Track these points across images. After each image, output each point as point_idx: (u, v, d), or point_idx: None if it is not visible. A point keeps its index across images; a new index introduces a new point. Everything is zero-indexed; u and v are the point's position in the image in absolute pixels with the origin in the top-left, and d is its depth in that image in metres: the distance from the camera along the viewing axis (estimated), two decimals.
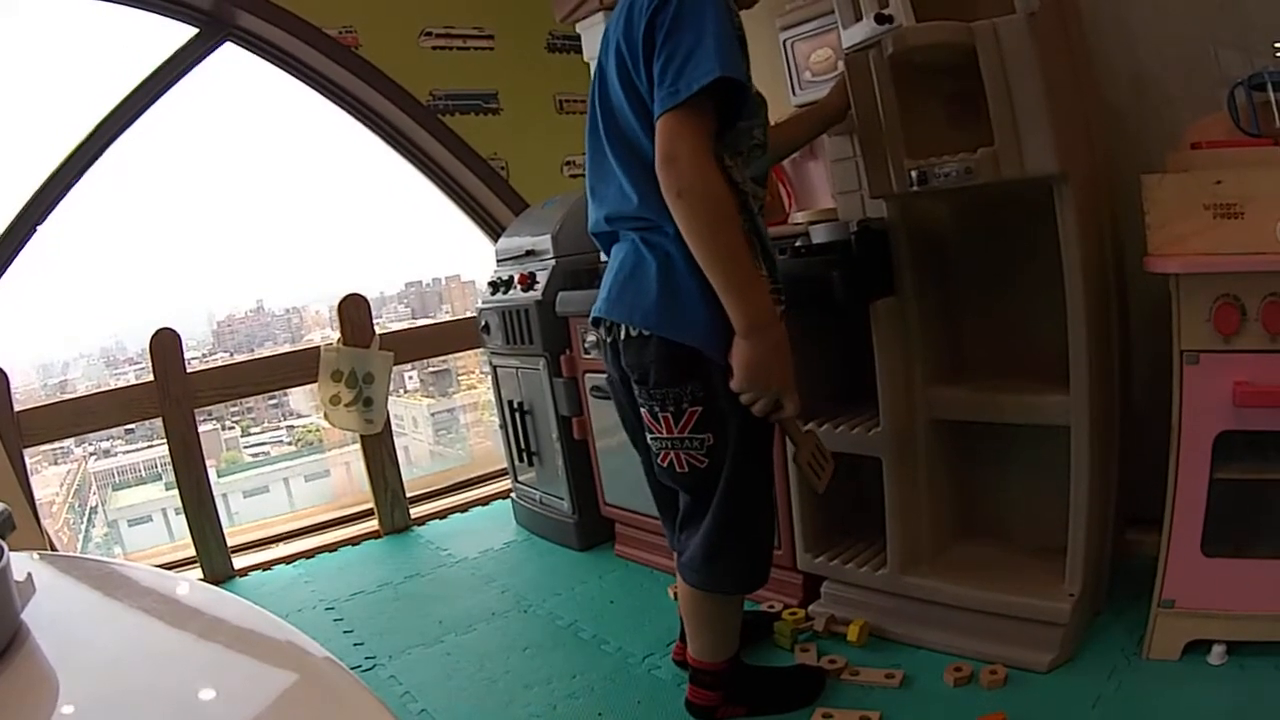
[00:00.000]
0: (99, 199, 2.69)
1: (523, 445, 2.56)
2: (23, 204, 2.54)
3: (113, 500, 3.59)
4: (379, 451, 2.84)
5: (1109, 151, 1.67)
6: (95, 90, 2.66)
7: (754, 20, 1.42)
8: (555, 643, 1.89)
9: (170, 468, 2.55)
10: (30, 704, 0.57)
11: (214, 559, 2.59)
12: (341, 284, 2.83)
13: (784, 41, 1.99)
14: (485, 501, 3.07)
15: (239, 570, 2.63)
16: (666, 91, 1.16)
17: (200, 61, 2.77)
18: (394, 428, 2.90)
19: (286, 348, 3.15)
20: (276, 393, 3.47)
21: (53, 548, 2.42)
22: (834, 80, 1.69)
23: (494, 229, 3.29)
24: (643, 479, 1.50)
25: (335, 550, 2.75)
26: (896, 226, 1.61)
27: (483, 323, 2.59)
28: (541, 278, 2.35)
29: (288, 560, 2.69)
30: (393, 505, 2.86)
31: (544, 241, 2.40)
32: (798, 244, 1.71)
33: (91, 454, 3.62)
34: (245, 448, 3.91)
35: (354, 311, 2.78)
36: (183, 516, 2.57)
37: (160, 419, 2.52)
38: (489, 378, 2.74)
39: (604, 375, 1.50)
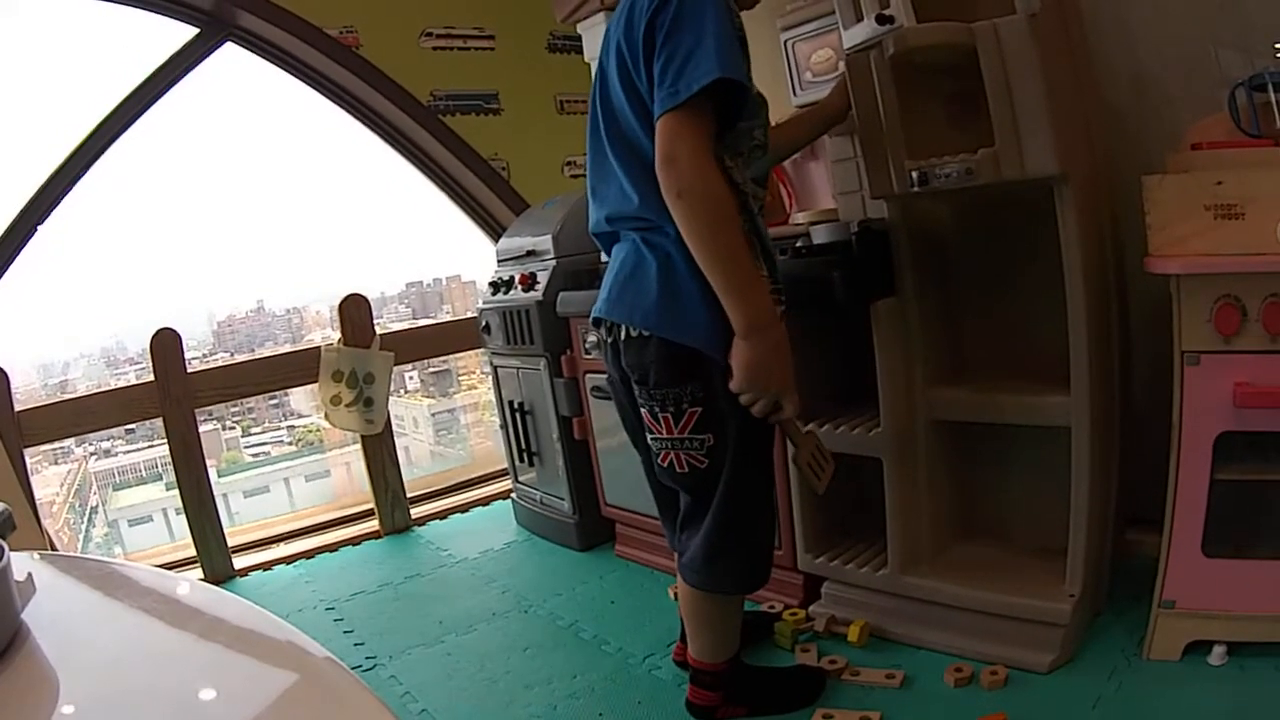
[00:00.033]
0: (100, 199, 2.70)
1: (523, 445, 2.56)
2: (24, 203, 2.54)
3: (113, 500, 3.59)
4: (379, 452, 2.84)
5: (1109, 152, 1.67)
6: (96, 90, 2.66)
7: (755, 20, 1.42)
8: (556, 643, 1.89)
9: (171, 468, 2.55)
10: (30, 704, 0.57)
11: (214, 559, 2.59)
12: (342, 284, 2.84)
13: (785, 42, 1.99)
14: (486, 502, 3.07)
15: (239, 570, 2.63)
16: (666, 92, 1.16)
17: (201, 62, 2.77)
18: (394, 428, 2.90)
19: (287, 348, 3.15)
20: (277, 393, 3.47)
21: (53, 548, 2.42)
22: (835, 81, 1.69)
23: (494, 229, 3.30)
24: (643, 479, 1.50)
25: (336, 550, 2.75)
26: (897, 227, 1.61)
27: (483, 323, 2.59)
28: (542, 278, 2.35)
29: (288, 560, 2.69)
30: (393, 505, 2.87)
31: (545, 242, 2.40)
32: (798, 244, 1.71)
33: (92, 454, 3.62)
34: (246, 448, 3.91)
35: (355, 312, 2.78)
36: (183, 516, 2.57)
37: (161, 419, 2.52)
38: (489, 378, 2.74)
39: (604, 375, 1.50)
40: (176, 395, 2.52)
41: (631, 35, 1.23)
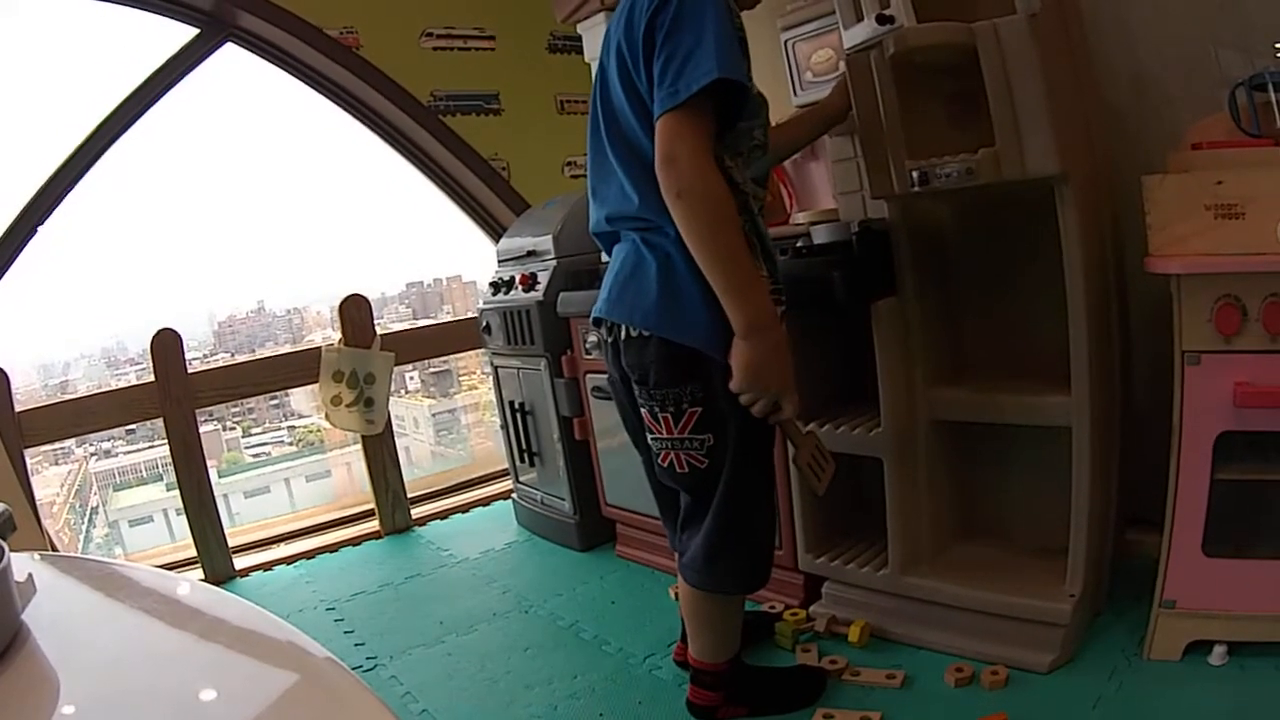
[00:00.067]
0: (100, 199, 2.70)
1: (524, 446, 2.56)
2: (24, 204, 2.54)
3: (114, 500, 3.59)
4: (380, 452, 2.84)
5: (1109, 152, 1.67)
6: (96, 90, 2.66)
7: (755, 20, 1.42)
8: (556, 643, 1.89)
9: (171, 468, 2.55)
10: (31, 704, 0.57)
11: (215, 559, 2.59)
12: (342, 284, 2.84)
13: (785, 42, 1.99)
14: (486, 502, 3.07)
15: (240, 571, 2.63)
16: (666, 92, 1.16)
17: (201, 62, 2.77)
18: (395, 428, 2.90)
19: (287, 348, 3.15)
20: (277, 393, 3.47)
21: (53, 548, 2.42)
22: (835, 81, 1.70)
23: (495, 229, 3.30)
24: (644, 479, 1.50)
25: (336, 551, 2.75)
26: (897, 227, 1.61)
27: (484, 323, 2.59)
28: (543, 278, 2.35)
29: (289, 561, 2.69)
30: (394, 506, 2.87)
31: (545, 242, 2.40)
32: (799, 244, 1.71)
33: (92, 454, 3.63)
34: (246, 448, 3.91)
35: (355, 312, 2.78)
36: (184, 517, 2.57)
37: (161, 419, 2.52)
38: (490, 378, 2.74)
39: (605, 375, 1.50)
40: (177, 395, 2.52)
41: (631, 35, 1.23)
